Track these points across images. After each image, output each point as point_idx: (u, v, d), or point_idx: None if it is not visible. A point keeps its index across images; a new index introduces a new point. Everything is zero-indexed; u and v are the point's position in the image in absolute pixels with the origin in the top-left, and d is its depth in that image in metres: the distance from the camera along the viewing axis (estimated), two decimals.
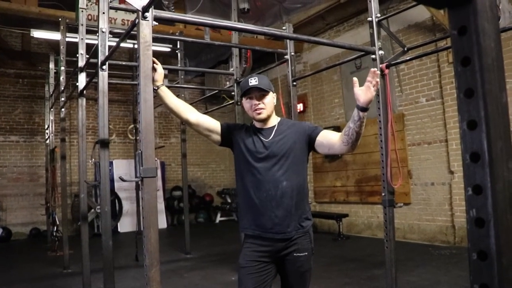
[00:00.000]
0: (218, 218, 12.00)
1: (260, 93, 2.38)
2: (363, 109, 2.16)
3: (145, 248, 2.35)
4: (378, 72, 2.06)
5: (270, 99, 2.43)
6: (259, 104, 2.38)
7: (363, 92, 2.15)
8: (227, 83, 11.07)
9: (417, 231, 7.26)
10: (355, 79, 2.18)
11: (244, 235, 2.50)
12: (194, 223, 11.35)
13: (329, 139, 2.35)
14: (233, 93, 5.80)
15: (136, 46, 7.23)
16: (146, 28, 2.32)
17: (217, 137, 2.52)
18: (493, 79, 0.77)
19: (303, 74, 7.92)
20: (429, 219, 7.14)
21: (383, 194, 3.61)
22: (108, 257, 3.48)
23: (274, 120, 2.47)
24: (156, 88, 2.42)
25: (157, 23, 2.47)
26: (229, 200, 12.24)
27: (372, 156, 8.14)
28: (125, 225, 9.97)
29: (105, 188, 3.52)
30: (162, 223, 10.49)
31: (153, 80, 2.36)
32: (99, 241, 5.73)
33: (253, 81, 2.36)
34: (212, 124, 2.51)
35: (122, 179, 2.41)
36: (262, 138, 2.41)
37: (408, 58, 3.82)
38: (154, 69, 2.35)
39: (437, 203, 7.04)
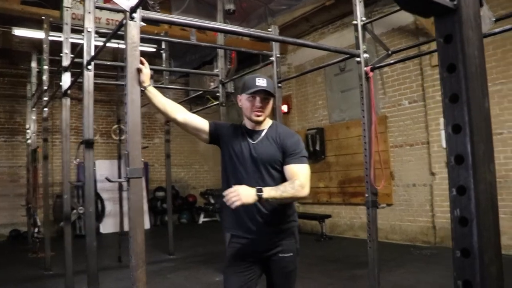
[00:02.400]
0: (201, 219, 11.98)
1: (265, 96, 2.36)
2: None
3: (131, 248, 2.35)
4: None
5: (271, 104, 2.43)
6: (262, 106, 2.37)
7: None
8: (212, 84, 11.09)
9: (398, 232, 7.37)
10: None
11: (229, 235, 2.52)
12: (177, 223, 11.30)
13: (292, 175, 2.28)
14: (218, 94, 5.80)
15: (121, 46, 7.19)
16: (133, 29, 2.32)
17: (205, 136, 2.52)
18: (476, 85, 0.81)
19: (287, 76, 7.97)
20: (411, 220, 7.25)
21: (366, 195, 3.66)
22: (92, 258, 3.46)
23: (266, 124, 2.47)
24: (143, 88, 2.41)
25: (144, 24, 2.48)
26: (212, 201, 12.22)
27: (355, 157, 8.22)
28: (108, 226, 9.88)
29: (89, 189, 3.50)
30: (145, 224, 10.43)
31: (140, 81, 2.35)
32: (81, 242, 5.69)
33: (262, 82, 2.33)
34: (200, 123, 2.51)
35: (108, 180, 2.41)
36: (249, 140, 2.42)
37: (392, 61, 3.88)
38: (140, 70, 2.34)
39: (418, 204, 7.16)
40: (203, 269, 5.86)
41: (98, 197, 9.69)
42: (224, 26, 2.85)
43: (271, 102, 2.42)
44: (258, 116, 2.38)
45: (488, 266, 0.77)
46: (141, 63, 2.35)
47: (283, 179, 2.37)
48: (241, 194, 2.04)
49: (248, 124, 2.47)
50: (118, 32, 2.76)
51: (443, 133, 6.63)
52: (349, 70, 8.57)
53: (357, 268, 5.51)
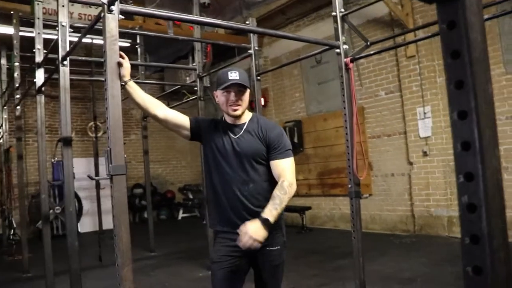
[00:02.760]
0: (181, 215, 11.91)
1: (239, 89, 2.33)
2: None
3: (117, 247, 2.31)
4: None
5: (247, 96, 2.39)
6: (237, 100, 2.33)
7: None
8: (187, 78, 10.98)
9: (378, 221, 7.46)
10: None
11: (215, 231, 2.49)
12: (156, 220, 11.18)
13: (279, 173, 2.31)
14: (195, 88, 5.74)
15: (95, 41, 7.04)
16: (112, 22, 2.26)
17: (186, 133, 2.48)
18: (480, 70, 0.81)
19: (264, 69, 7.94)
20: (390, 209, 7.35)
21: (349, 185, 3.68)
22: (74, 259, 3.39)
23: (246, 117, 2.44)
24: (124, 83, 2.35)
25: (123, 17, 2.41)
26: (191, 197, 12.16)
27: (333, 149, 8.29)
28: (85, 225, 9.70)
29: (69, 188, 3.42)
30: None
31: (120, 76, 2.29)
32: (59, 242, 5.59)
33: (234, 76, 2.30)
34: (181, 119, 2.47)
35: (90, 178, 2.35)
36: (231, 135, 2.39)
37: (372, 52, 3.90)
38: (121, 64, 2.28)
39: (397, 193, 7.26)
40: (186, 265, 5.82)
41: (75, 196, 9.50)
42: (204, 19, 2.82)
43: (247, 94, 2.38)
44: (235, 110, 2.35)
45: (497, 252, 0.77)
46: (121, 57, 2.29)
47: (267, 171, 2.36)
48: (253, 235, 2.09)
49: (228, 119, 2.44)
50: (95, 26, 2.70)
51: (420, 122, 6.75)
52: (326, 62, 8.61)
53: (340, 259, 5.56)
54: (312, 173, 8.87)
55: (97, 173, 7.97)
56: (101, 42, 6.86)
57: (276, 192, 2.24)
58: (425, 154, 6.72)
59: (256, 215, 2.33)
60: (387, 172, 7.42)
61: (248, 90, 2.39)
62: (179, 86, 7.60)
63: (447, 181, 6.55)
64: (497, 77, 6.04)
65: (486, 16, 3.06)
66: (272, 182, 2.36)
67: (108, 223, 8.81)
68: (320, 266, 5.26)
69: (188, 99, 7.55)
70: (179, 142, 13.04)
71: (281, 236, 2.42)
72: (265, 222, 2.13)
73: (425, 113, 6.71)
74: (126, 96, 2.46)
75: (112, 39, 2.27)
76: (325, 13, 8.56)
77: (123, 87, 2.36)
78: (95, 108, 7.59)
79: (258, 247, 2.13)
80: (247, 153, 2.33)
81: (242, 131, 2.39)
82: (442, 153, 6.60)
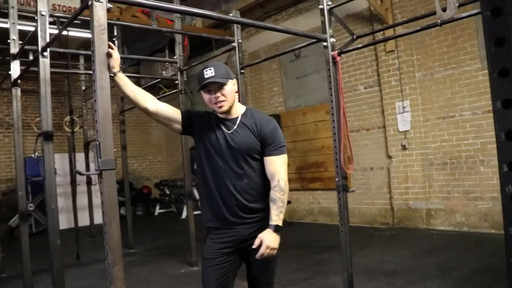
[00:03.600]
0: (157, 211, 11.76)
1: (217, 85, 2.26)
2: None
3: (107, 245, 2.24)
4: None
5: (230, 88, 2.31)
6: (218, 97, 2.27)
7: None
8: (164, 72, 10.83)
9: (357, 215, 7.52)
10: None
11: (207, 227, 2.44)
12: (133, 216, 11.00)
13: (273, 171, 2.29)
14: (176, 81, 5.65)
15: (71, 33, 6.83)
16: (100, 11, 2.18)
17: (178, 126, 2.41)
18: None
19: (244, 63, 7.88)
20: (369, 203, 7.43)
21: (336, 179, 3.69)
22: (56, 257, 3.27)
23: (239, 110, 2.39)
24: (113, 75, 2.27)
25: (111, 5, 2.33)
26: (167, 192, 12.04)
27: (312, 143, 8.31)
28: (61, 222, 9.42)
29: (51, 184, 3.30)
30: (100, 218, 10.05)
31: (110, 66, 2.21)
32: (34, 240, 5.42)
33: (209, 72, 2.24)
34: (172, 112, 2.40)
35: (79, 173, 2.26)
36: (224, 129, 2.33)
37: (360, 45, 3.90)
38: (110, 55, 2.20)
39: (376, 187, 7.34)
40: (167, 261, 5.73)
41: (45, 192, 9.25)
42: (197, 10, 2.74)
43: (229, 87, 2.30)
44: (220, 107, 2.29)
45: None
46: (110, 47, 2.20)
47: (261, 167, 2.33)
48: (270, 245, 2.17)
49: (220, 114, 2.38)
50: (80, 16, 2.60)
51: (399, 117, 6.82)
52: (304, 57, 8.62)
53: (322, 252, 5.58)
54: (290, 167, 8.87)
55: (72, 169, 7.77)
56: (77, 34, 6.65)
57: (276, 194, 2.25)
58: (404, 148, 6.81)
59: (249, 211, 2.29)
60: (366, 166, 7.48)
61: (230, 82, 2.32)
62: (158, 80, 7.41)
63: (426, 175, 6.65)
64: (474, 72, 6.16)
65: (464, 14, 3.09)
66: (266, 178, 2.33)
67: (83, 220, 8.61)
68: (303, 260, 5.26)
69: (166, 94, 7.43)
70: (154, 137, 12.89)
71: None
72: (277, 229, 2.20)
73: (404, 107, 6.79)
74: (114, 87, 2.37)
75: (100, 28, 2.18)
76: (303, 7, 8.57)
77: (112, 78, 2.28)
78: (71, 102, 7.38)
79: (275, 253, 2.23)
80: (242, 148, 2.29)
81: (236, 126, 2.33)
82: (420, 147, 6.69)
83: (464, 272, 4.29)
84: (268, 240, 2.15)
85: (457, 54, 6.34)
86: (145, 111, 2.38)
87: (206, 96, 2.33)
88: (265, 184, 2.33)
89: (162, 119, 2.40)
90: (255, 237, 2.29)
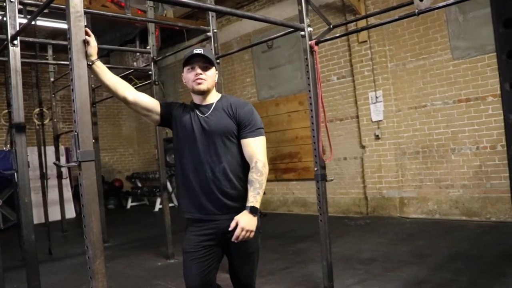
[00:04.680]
0: (129, 204, 11.61)
1: (204, 64, 2.28)
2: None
3: (87, 238, 2.18)
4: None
5: (213, 73, 2.34)
6: (200, 74, 2.26)
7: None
8: (134, 63, 10.63)
9: (332, 204, 7.59)
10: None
11: (186, 219, 2.40)
12: (105, 210, 10.82)
13: (250, 153, 2.25)
14: (150, 72, 5.55)
15: (39, 22, 6.59)
16: None
17: (156, 117, 2.38)
18: None
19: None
20: (343, 192, 7.51)
21: (315, 169, 3.72)
22: (31, 253, 3.18)
23: (215, 97, 2.38)
24: (91, 63, 2.21)
25: None
26: (139, 185, 11.88)
27: (286, 134, 8.33)
28: None
29: (24, 178, 3.20)
30: (71, 212, 9.88)
31: (87, 54, 2.14)
32: (1, 237, 5.25)
33: (198, 50, 2.26)
34: (151, 103, 2.37)
35: (57, 165, 2.19)
36: (199, 114, 2.32)
37: (337, 35, 3.91)
38: (87, 42, 2.13)
39: (350, 176, 7.42)
40: (142, 254, 5.66)
41: (17, 186, 8.98)
42: None
43: (212, 71, 2.33)
44: (199, 83, 2.28)
45: None
46: (87, 34, 2.13)
47: (239, 151, 2.30)
48: (246, 227, 2.08)
49: (196, 99, 2.37)
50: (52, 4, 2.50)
51: (372, 107, 6.90)
52: (277, 47, 8.61)
53: (299, 242, 5.62)
54: None
55: (41, 164, 7.55)
56: (45, 23, 6.45)
57: (254, 176, 2.19)
58: (377, 137, 6.90)
59: (228, 196, 2.26)
60: (339, 156, 7.55)
61: (214, 69, 2.34)
62: (131, 71, 7.26)
63: (398, 164, 6.76)
64: (444, 62, 6.28)
65: (440, 4, 3.14)
66: (244, 162, 2.31)
67: (54, 215, 8.41)
68: (280, 249, 5.28)
69: (138, 85, 7.31)
70: (125, 129, 12.68)
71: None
72: (253, 210, 2.11)
73: (377, 97, 6.87)
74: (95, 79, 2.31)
75: (77, 15, 2.10)
76: None
77: (90, 67, 2.21)
78: (40, 94, 7.15)
79: (252, 236, 2.12)
80: (217, 131, 2.27)
81: (211, 110, 2.32)
82: (393, 136, 6.80)
83: (438, 258, 4.39)
84: (244, 221, 2.08)
85: (428, 45, 6.45)
86: (124, 100, 2.32)
87: (188, 75, 2.32)
88: (244, 169, 2.30)
89: (141, 109, 2.35)
90: (235, 228, 2.27)
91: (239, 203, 2.27)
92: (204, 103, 2.35)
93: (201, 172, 2.27)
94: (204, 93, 2.32)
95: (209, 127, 2.27)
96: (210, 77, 2.30)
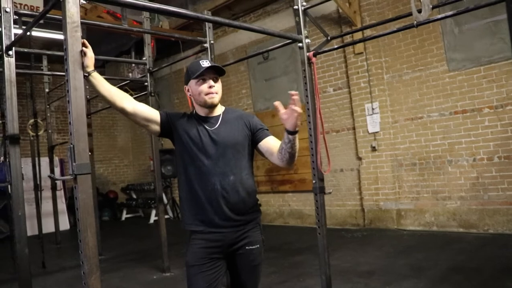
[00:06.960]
0: (124, 215, 11.51)
1: (214, 75, 2.26)
2: (292, 132, 2.13)
3: (82, 253, 2.12)
4: (296, 97, 2.01)
5: (220, 85, 2.32)
6: (213, 86, 2.24)
7: (288, 117, 2.07)
8: (130, 74, 10.60)
9: (328, 217, 7.51)
10: (277, 103, 2.08)
11: (189, 232, 2.34)
12: (99, 221, 10.72)
13: (271, 147, 2.28)
14: (146, 83, 5.52)
15: (34, 33, 6.56)
16: (73, 7, 2.06)
17: (156, 128, 2.32)
18: None
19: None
20: (340, 204, 7.47)
21: (313, 181, 3.68)
22: (24, 266, 3.11)
23: (219, 109, 2.35)
24: (87, 74, 2.17)
25: (85, 1, 2.22)
26: (134, 196, 11.80)
27: None
28: None
29: (17, 190, 3.14)
30: (65, 224, 9.78)
31: (84, 65, 2.11)
32: None
33: (206, 63, 2.23)
34: (151, 113, 2.31)
35: (52, 178, 2.14)
36: (207, 127, 2.27)
37: (336, 47, 3.91)
38: (84, 53, 2.10)
39: (346, 188, 7.39)
40: (138, 267, 5.58)
41: (11, 199, 8.88)
42: (167, 7, 2.65)
43: (220, 83, 2.31)
44: (212, 98, 2.25)
45: None
46: (84, 45, 2.10)
47: (248, 165, 2.31)
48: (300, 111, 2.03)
49: (201, 111, 2.32)
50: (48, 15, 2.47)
51: (368, 118, 6.89)
52: (273, 59, 8.62)
53: (296, 255, 5.56)
54: (260, 170, 8.84)
55: (35, 175, 7.46)
56: (40, 34, 6.41)
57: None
58: (373, 149, 6.88)
59: (236, 210, 2.21)
60: (336, 167, 7.53)
61: (220, 80, 2.32)
62: (127, 82, 7.23)
63: (395, 175, 6.74)
64: (440, 74, 6.30)
65: (439, 16, 3.13)
66: (252, 173, 2.33)
67: (48, 227, 8.31)
68: (277, 263, 5.22)
69: (133, 96, 7.24)
70: (120, 140, 12.62)
71: (260, 234, 2.34)
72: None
73: (373, 109, 6.87)
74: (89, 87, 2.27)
75: (73, 25, 2.07)
76: (271, 9, 8.57)
77: (86, 78, 2.17)
78: (34, 104, 7.10)
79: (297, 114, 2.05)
80: (227, 143, 2.24)
81: (219, 123, 2.29)
82: (390, 148, 6.79)
83: (437, 271, 4.35)
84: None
85: (424, 57, 6.47)
86: (122, 111, 2.27)
87: (197, 87, 2.26)
88: (252, 182, 2.30)
89: (140, 119, 2.30)
90: (242, 240, 2.23)
91: (246, 216, 2.24)
92: (211, 115, 2.31)
93: (209, 184, 2.21)
94: (213, 107, 2.29)
95: (219, 140, 2.24)
96: (219, 90, 2.29)
